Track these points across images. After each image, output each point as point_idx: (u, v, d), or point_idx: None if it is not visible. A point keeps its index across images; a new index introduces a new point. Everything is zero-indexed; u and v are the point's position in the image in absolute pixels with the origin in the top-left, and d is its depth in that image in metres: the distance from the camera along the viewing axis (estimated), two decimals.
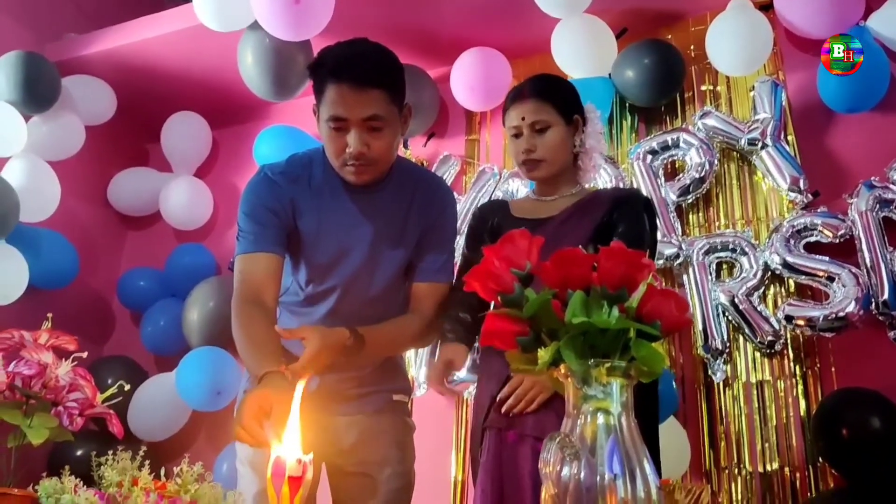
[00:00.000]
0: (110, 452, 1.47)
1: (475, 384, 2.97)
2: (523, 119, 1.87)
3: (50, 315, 1.64)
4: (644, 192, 2.95)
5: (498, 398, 1.73)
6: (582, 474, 0.99)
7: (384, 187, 1.78)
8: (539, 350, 1.10)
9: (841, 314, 2.52)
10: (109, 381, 3.40)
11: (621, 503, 0.98)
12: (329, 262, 1.80)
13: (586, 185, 1.97)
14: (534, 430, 1.68)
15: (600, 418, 1.04)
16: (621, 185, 2.96)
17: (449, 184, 3.42)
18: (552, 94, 1.90)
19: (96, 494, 1.39)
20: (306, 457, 1.20)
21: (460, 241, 2.09)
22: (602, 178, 2.98)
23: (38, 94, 3.35)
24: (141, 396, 3.34)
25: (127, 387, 1.67)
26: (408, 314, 1.84)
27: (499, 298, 1.14)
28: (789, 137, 2.90)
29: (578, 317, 1.06)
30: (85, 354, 1.57)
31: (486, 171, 3.35)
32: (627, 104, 3.19)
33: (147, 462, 1.46)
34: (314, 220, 1.78)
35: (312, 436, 1.72)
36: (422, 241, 1.82)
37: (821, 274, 2.64)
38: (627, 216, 1.82)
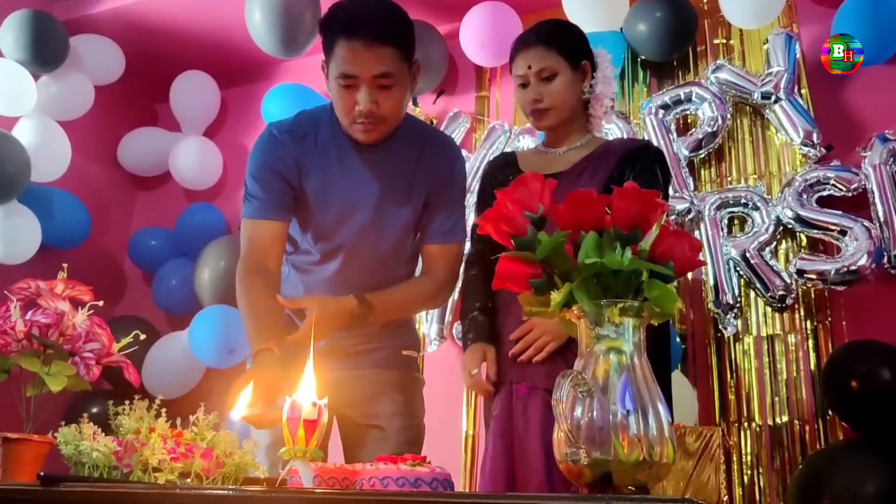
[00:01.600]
0: (127, 402, 1.50)
1: None
2: (529, 67, 1.84)
3: (65, 265, 1.65)
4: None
5: (512, 337, 1.74)
6: (594, 412, 1.00)
7: (391, 145, 1.77)
8: (552, 292, 1.11)
9: (853, 268, 2.51)
10: (123, 340, 3.50)
11: (634, 439, 0.99)
12: (335, 221, 1.80)
13: (596, 133, 1.95)
14: (545, 383, 1.69)
15: (613, 357, 1.04)
16: (605, 133, 2.94)
17: (459, 141, 3.41)
18: (558, 39, 1.85)
19: (114, 441, 1.42)
20: (321, 401, 1.21)
21: (471, 200, 2.08)
22: (613, 134, 2.95)
23: (46, 53, 3.34)
24: (154, 355, 3.37)
25: (143, 337, 1.69)
26: (419, 276, 1.86)
27: (511, 241, 1.15)
28: (803, 91, 2.87)
29: (591, 258, 1.06)
30: (101, 303, 1.58)
31: (497, 129, 3.33)
32: (639, 59, 3.15)
33: (164, 411, 1.49)
34: (320, 180, 1.78)
35: (324, 387, 1.78)
36: (431, 202, 1.82)
37: (833, 228, 2.63)
38: (640, 170, 1.80)
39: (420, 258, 1.89)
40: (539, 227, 1.15)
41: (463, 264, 1.89)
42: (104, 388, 3.27)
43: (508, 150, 3.24)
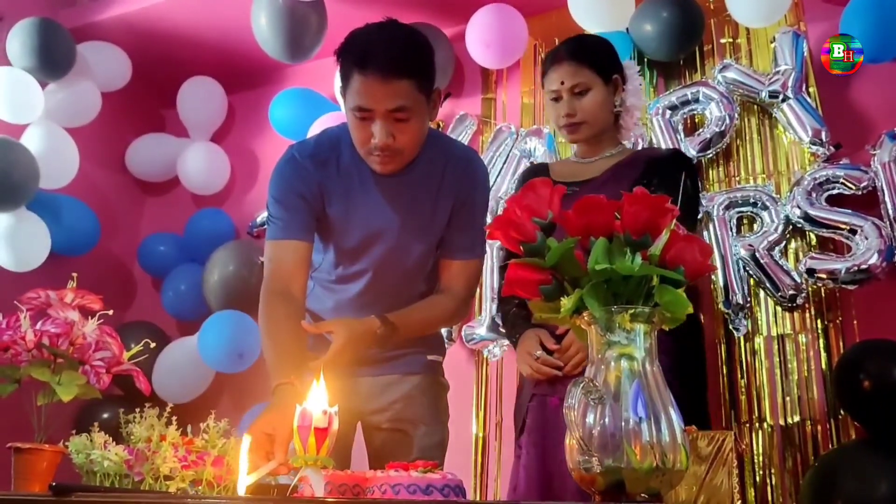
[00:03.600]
0: (137, 410, 1.50)
1: (494, 342, 3.00)
2: (562, 83, 1.88)
3: (75, 274, 1.65)
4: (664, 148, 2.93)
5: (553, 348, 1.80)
6: (606, 419, 1.00)
7: (413, 168, 1.75)
8: (562, 298, 1.11)
9: (863, 266, 2.49)
10: (133, 347, 3.50)
11: (646, 447, 0.98)
12: (358, 247, 1.80)
13: (627, 144, 1.99)
14: None
15: (624, 364, 1.04)
16: (640, 143, 2.94)
17: (465, 144, 3.41)
18: (589, 55, 1.90)
19: (126, 450, 1.42)
20: (332, 408, 1.20)
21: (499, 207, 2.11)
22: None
23: (53, 60, 3.35)
24: (164, 360, 3.38)
25: (153, 345, 1.69)
26: (439, 294, 1.85)
27: (521, 248, 1.14)
28: (811, 89, 2.85)
29: (601, 264, 1.06)
30: (111, 312, 1.58)
31: (503, 131, 3.32)
32: (646, 59, 3.14)
33: (174, 418, 1.49)
34: (342, 206, 1.77)
35: (345, 397, 1.78)
36: (453, 217, 1.81)
37: (843, 226, 2.61)
38: (664, 179, 1.81)
39: (440, 270, 1.88)
40: (548, 233, 1.14)
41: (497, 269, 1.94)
42: (115, 395, 3.28)
43: (515, 151, 3.25)
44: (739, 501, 1.32)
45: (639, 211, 1.09)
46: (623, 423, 1.00)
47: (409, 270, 1.83)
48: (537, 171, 2.01)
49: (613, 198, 1.76)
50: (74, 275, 1.65)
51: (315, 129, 3.40)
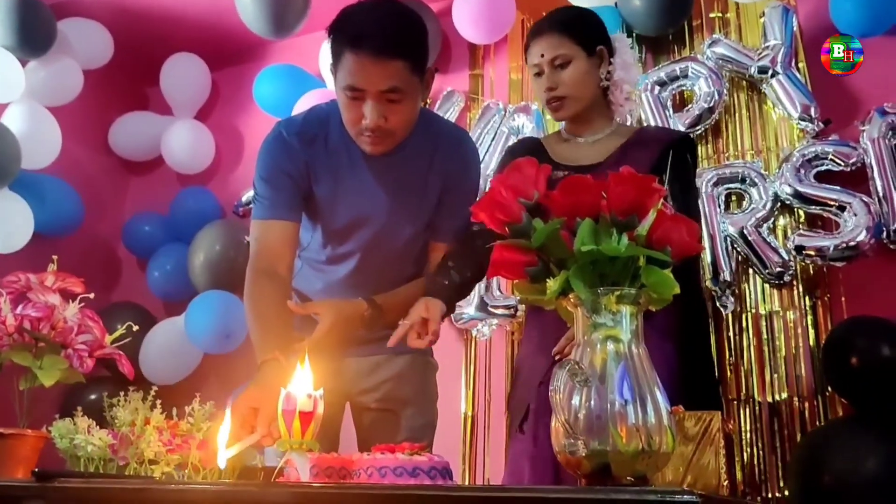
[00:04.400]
0: (122, 393, 1.49)
1: (483, 322, 2.99)
2: (542, 56, 1.79)
3: (55, 257, 1.63)
4: (653, 125, 2.91)
5: (553, 351, 1.67)
6: (592, 401, 0.99)
7: (403, 148, 1.72)
8: (548, 280, 1.09)
9: (852, 243, 2.49)
10: (119, 328, 3.48)
11: (632, 429, 0.97)
12: (346, 228, 1.78)
13: (623, 121, 1.90)
14: None
15: (610, 346, 1.03)
16: (629, 119, 2.91)
17: (453, 121, 3.37)
18: (570, 25, 1.80)
19: (109, 434, 1.41)
20: (317, 392, 1.19)
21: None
22: None
23: (34, 38, 3.30)
24: (151, 341, 3.36)
25: (136, 328, 1.67)
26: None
27: (506, 228, 1.13)
28: (800, 64, 2.83)
29: (587, 245, 1.04)
30: (92, 296, 1.56)
31: (491, 107, 3.29)
32: (634, 34, 3.11)
33: (159, 402, 1.48)
34: (330, 186, 1.75)
35: (333, 377, 1.76)
36: (442, 199, 1.79)
37: (832, 203, 2.60)
38: (680, 164, 1.72)
39: (429, 252, 1.86)
40: (534, 213, 1.12)
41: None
42: (101, 376, 3.26)
43: (504, 128, 3.22)
44: (726, 481, 1.31)
45: (625, 191, 1.07)
46: (609, 406, 0.99)
47: (398, 252, 1.81)
48: (532, 147, 1.87)
49: None
50: (55, 257, 1.62)
51: (300, 107, 3.36)
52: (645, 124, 2.85)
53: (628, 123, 1.97)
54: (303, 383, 1.19)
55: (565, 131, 1.90)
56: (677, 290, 1.07)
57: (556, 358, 1.64)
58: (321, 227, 1.80)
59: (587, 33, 1.81)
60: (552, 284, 1.08)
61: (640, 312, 1.06)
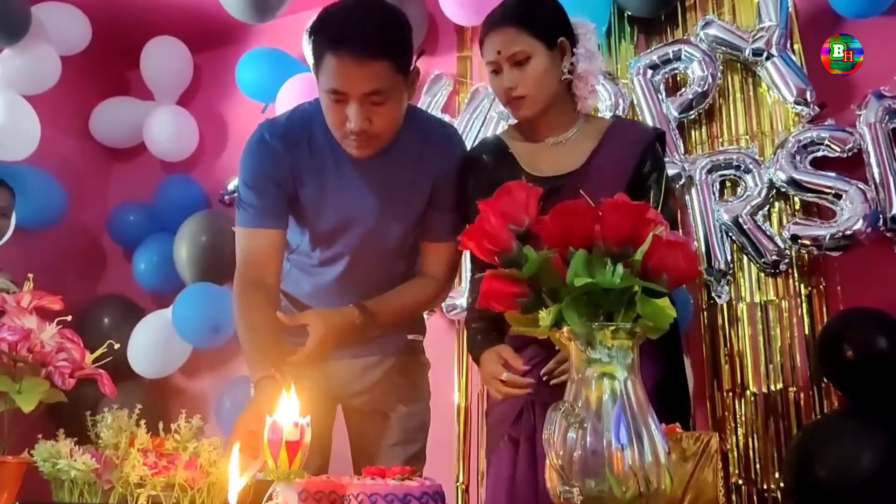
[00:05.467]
0: (105, 410, 1.46)
1: None
2: (499, 53, 1.63)
3: (31, 275, 1.58)
4: (645, 109, 2.85)
5: (542, 372, 1.59)
6: (587, 443, 0.96)
7: (390, 148, 1.67)
8: (541, 311, 1.05)
9: (848, 232, 2.46)
10: (106, 321, 3.45)
11: (629, 473, 0.95)
12: (333, 231, 1.74)
13: (583, 112, 1.75)
14: None
15: (605, 383, 1.00)
16: (621, 104, 2.86)
17: (441, 105, 3.31)
18: (527, 17, 1.63)
19: (93, 457, 1.37)
20: (303, 420, 1.16)
21: None
22: (601, 96, 2.86)
23: (7, 25, 3.20)
24: (139, 334, 3.32)
25: (117, 346, 1.62)
26: (418, 278, 1.81)
27: (496, 258, 1.08)
28: (795, 46, 2.77)
29: (581, 278, 1.00)
30: (69, 318, 1.51)
31: (480, 91, 3.22)
32: (626, 15, 3.04)
33: (143, 421, 1.44)
34: (315, 189, 1.71)
35: (324, 379, 1.73)
36: (433, 198, 1.74)
37: (827, 191, 2.56)
38: (655, 167, 1.66)
39: (421, 252, 1.83)
40: (525, 241, 1.08)
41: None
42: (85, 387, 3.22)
43: (493, 113, 3.14)
44: (724, 500, 1.29)
45: (620, 221, 1.02)
46: (605, 448, 0.96)
47: (388, 252, 1.78)
48: (498, 152, 1.72)
49: (611, 188, 1.57)
50: (31, 275, 1.57)
51: (284, 91, 3.28)
52: (639, 113, 2.80)
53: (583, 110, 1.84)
54: (289, 411, 1.16)
55: (527, 129, 1.75)
56: (674, 316, 1.03)
57: (544, 378, 1.58)
58: (308, 230, 1.77)
59: (546, 25, 1.65)
60: (545, 316, 1.04)
61: (637, 345, 1.03)
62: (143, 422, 1.45)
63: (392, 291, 1.76)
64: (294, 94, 3.22)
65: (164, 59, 3.79)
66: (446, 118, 3.22)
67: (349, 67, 1.51)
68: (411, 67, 1.61)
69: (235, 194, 3.41)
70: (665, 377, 1.60)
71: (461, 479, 2.92)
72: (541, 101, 1.66)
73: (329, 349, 1.69)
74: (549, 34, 1.64)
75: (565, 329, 1.02)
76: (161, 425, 1.46)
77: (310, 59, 2.94)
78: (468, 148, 1.87)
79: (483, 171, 1.71)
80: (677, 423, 1.36)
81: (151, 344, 3.31)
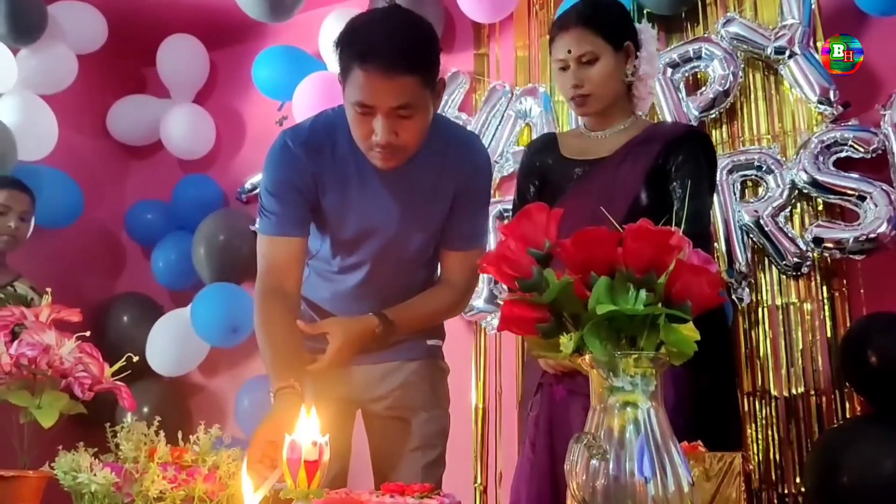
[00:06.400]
0: (124, 420, 1.46)
1: (493, 314, 2.95)
2: (569, 52, 1.76)
3: (49, 289, 1.58)
4: (665, 108, 2.82)
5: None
6: (610, 475, 0.95)
7: (413, 157, 1.66)
8: (562, 336, 1.04)
9: (871, 235, 2.42)
10: (125, 319, 3.47)
11: (651, 502, 0.94)
12: (355, 239, 1.75)
13: (639, 113, 1.88)
14: (584, 387, 1.64)
15: (629, 412, 0.98)
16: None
17: (458, 104, 3.29)
18: (598, 21, 1.76)
19: (113, 471, 1.38)
20: (322, 438, 1.15)
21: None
22: None
23: (24, 24, 3.21)
24: (157, 332, 3.33)
25: (136, 359, 1.62)
26: (439, 285, 1.82)
27: (516, 283, 1.07)
28: (818, 44, 2.71)
29: (605, 305, 0.99)
30: (88, 333, 1.51)
31: (498, 89, 3.20)
32: (646, 12, 2.99)
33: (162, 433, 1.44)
34: (338, 197, 1.71)
35: (343, 385, 1.76)
36: (454, 205, 1.75)
37: (851, 192, 2.52)
38: (683, 160, 1.73)
39: (440, 259, 1.84)
40: (545, 264, 1.07)
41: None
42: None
43: (510, 111, 3.13)
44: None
45: (642, 248, 1.00)
46: (628, 477, 0.95)
47: (408, 260, 1.78)
48: (543, 147, 1.92)
49: (630, 177, 1.70)
50: (49, 289, 1.58)
51: (301, 89, 3.27)
52: (659, 112, 2.77)
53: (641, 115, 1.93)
54: (307, 430, 1.15)
55: (585, 127, 1.89)
56: (697, 339, 1.02)
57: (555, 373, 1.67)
58: (329, 237, 1.77)
59: (614, 28, 1.79)
60: (566, 342, 1.03)
61: (661, 371, 1.02)
62: (161, 433, 1.46)
63: (412, 300, 1.77)
64: (311, 91, 3.21)
65: (181, 57, 3.79)
66: (463, 116, 3.21)
67: (377, 82, 1.50)
68: (438, 80, 1.61)
69: (253, 192, 3.44)
70: (708, 389, 1.61)
71: (479, 481, 2.92)
72: (604, 100, 1.78)
73: (348, 357, 1.70)
74: (617, 37, 1.78)
75: (587, 356, 1.01)
76: (180, 434, 1.47)
77: (327, 52, 2.91)
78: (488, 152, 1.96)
79: (527, 153, 1.97)
80: (699, 442, 1.36)
81: (169, 342, 3.33)
